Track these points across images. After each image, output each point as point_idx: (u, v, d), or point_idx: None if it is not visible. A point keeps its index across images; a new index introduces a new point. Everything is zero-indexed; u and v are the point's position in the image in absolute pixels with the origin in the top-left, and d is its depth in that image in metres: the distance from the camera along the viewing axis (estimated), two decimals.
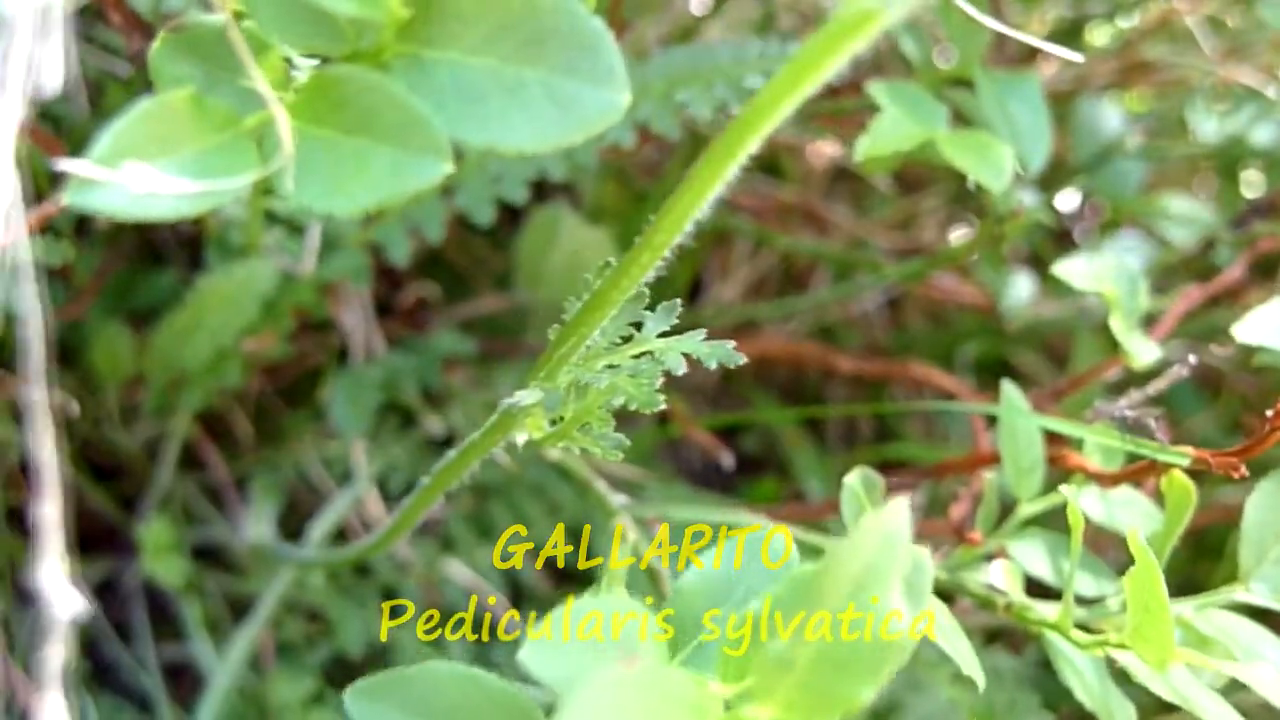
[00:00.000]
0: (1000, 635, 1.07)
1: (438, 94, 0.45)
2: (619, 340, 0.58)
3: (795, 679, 0.41)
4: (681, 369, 0.56)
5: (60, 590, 0.38)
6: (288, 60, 0.50)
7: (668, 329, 0.58)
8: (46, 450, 0.39)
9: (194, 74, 0.47)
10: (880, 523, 0.40)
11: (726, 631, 0.47)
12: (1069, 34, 1.27)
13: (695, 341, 0.57)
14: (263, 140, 0.46)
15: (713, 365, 0.57)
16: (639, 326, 0.58)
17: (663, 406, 0.56)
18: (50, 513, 0.38)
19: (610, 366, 0.57)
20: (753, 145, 0.44)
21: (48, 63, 0.40)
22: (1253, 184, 1.16)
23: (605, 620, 0.45)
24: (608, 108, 0.45)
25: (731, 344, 0.57)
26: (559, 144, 0.45)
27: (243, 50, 0.45)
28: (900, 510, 0.40)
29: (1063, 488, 0.66)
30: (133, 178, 0.41)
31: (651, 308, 0.58)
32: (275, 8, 0.45)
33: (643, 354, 0.58)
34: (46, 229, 0.84)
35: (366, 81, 0.45)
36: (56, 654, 0.38)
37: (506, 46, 0.45)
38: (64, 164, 0.40)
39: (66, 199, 0.40)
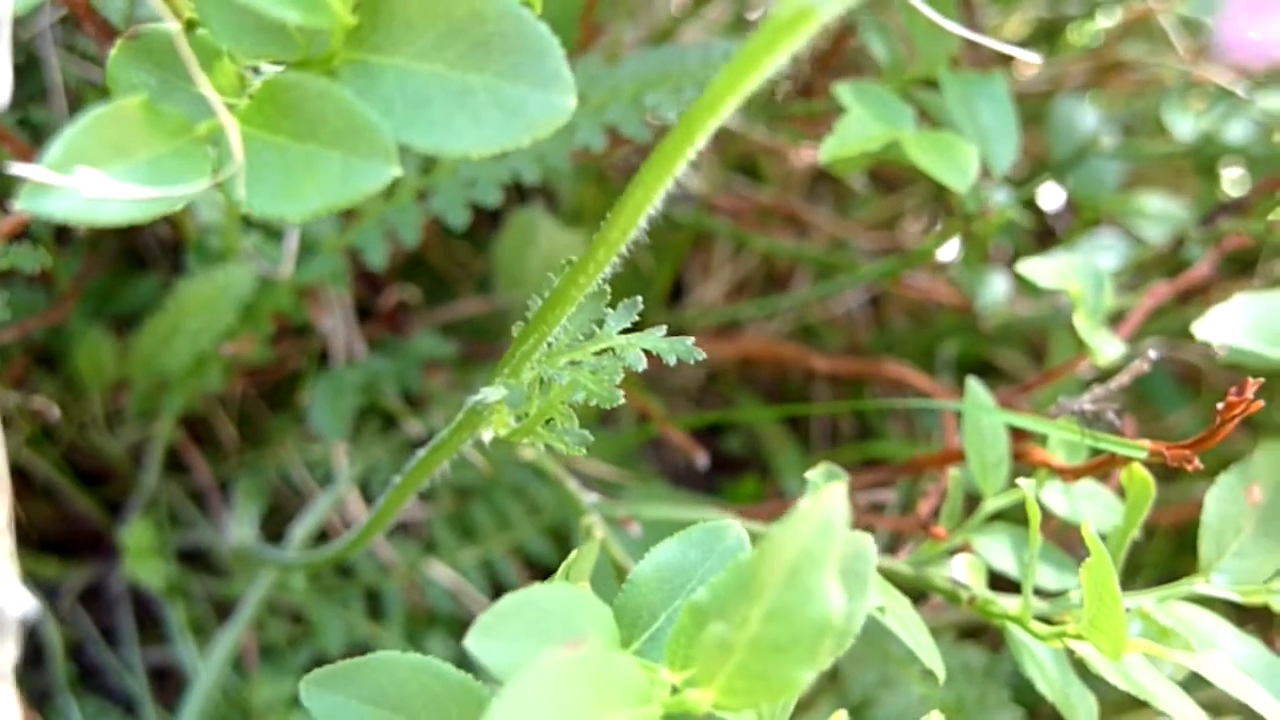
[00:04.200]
0: (977, 632, 1.08)
1: (385, 99, 0.46)
2: (581, 337, 0.59)
3: (735, 663, 0.42)
4: (642, 365, 0.57)
5: (10, 590, 0.39)
6: (254, 68, 0.51)
7: (630, 326, 0.59)
8: None
9: (149, 81, 0.48)
10: (816, 508, 0.40)
11: (677, 620, 0.47)
12: (1047, 34, 1.28)
13: (655, 338, 0.58)
14: (216, 145, 0.47)
15: (673, 361, 0.58)
16: (603, 324, 0.59)
17: (622, 401, 0.57)
18: None
19: (573, 363, 0.58)
20: (698, 142, 0.45)
21: None
22: (1234, 182, 1.17)
23: (554, 609, 0.46)
24: (553, 111, 0.46)
25: (691, 340, 0.58)
26: (505, 147, 0.46)
27: (190, 58, 0.46)
28: (836, 496, 0.41)
29: (1021, 481, 0.67)
30: (85, 183, 0.42)
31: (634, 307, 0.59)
32: (226, 16, 0.46)
33: (604, 350, 0.58)
34: (25, 235, 0.85)
35: (315, 88, 0.45)
36: (6, 652, 0.39)
37: (452, 52, 0.46)
38: (16, 169, 0.41)
39: (19, 204, 0.41)
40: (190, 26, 0.48)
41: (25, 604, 0.41)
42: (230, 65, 0.48)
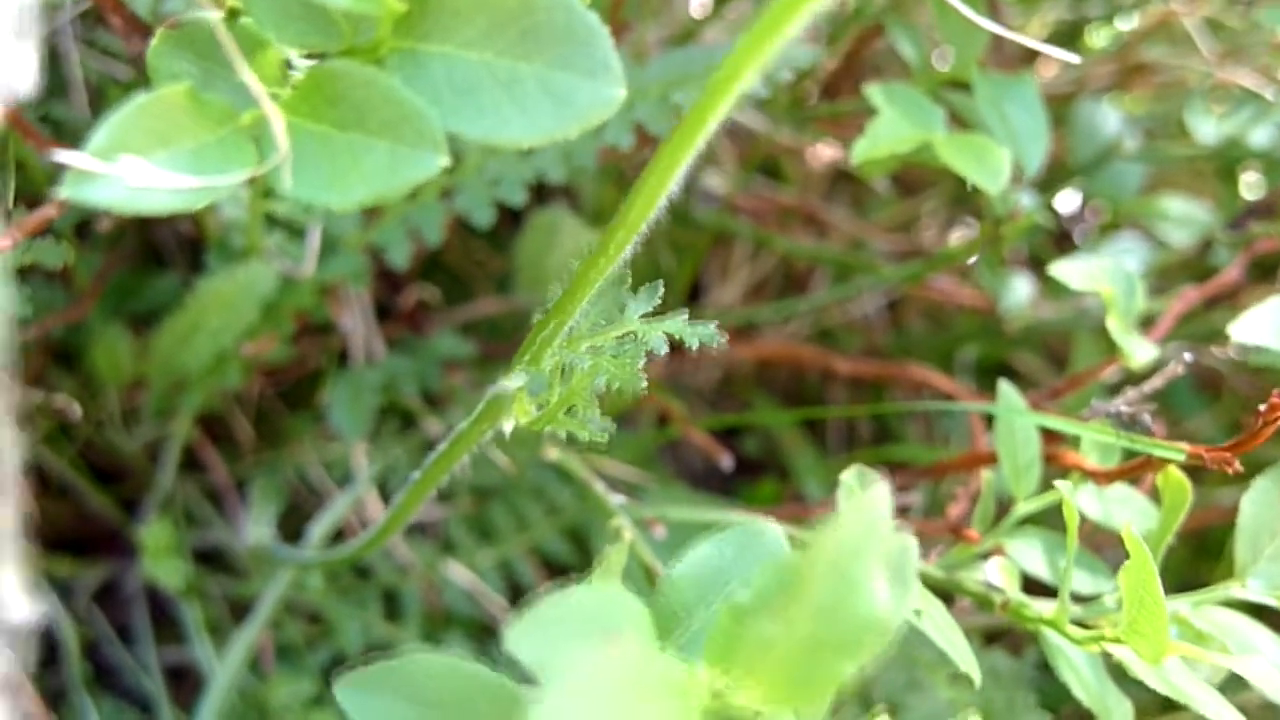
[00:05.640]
0: (1000, 636, 1.08)
1: (433, 88, 0.45)
2: (602, 323, 0.58)
3: (777, 661, 0.41)
4: (664, 349, 0.56)
5: (14, 595, 0.38)
6: (288, 58, 0.51)
7: (651, 312, 0.58)
8: (7, 453, 0.39)
9: (191, 70, 0.48)
10: (861, 506, 0.40)
11: (716, 621, 0.47)
12: (1068, 36, 1.27)
13: (677, 323, 0.57)
14: (260, 136, 0.46)
15: (695, 345, 0.57)
16: (623, 311, 0.58)
17: (645, 389, 0.56)
18: (6, 517, 0.38)
19: (594, 349, 0.58)
20: (717, 118, 0.44)
21: (23, 64, 0.40)
22: (1254, 186, 1.17)
23: (591, 608, 0.45)
24: (602, 101, 0.45)
25: (714, 324, 0.57)
26: (554, 137, 0.45)
27: (233, 47, 0.45)
28: (881, 494, 0.40)
29: (1058, 483, 0.66)
30: (129, 172, 0.42)
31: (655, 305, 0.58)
32: (270, 4, 0.46)
33: (625, 335, 0.58)
34: (46, 231, 0.84)
35: (362, 76, 0.45)
36: (4, 660, 0.38)
37: (502, 41, 0.45)
38: (61, 156, 0.41)
39: (64, 191, 0.41)
40: (232, 15, 0.48)
41: (27, 611, 0.40)
42: (273, 55, 0.48)
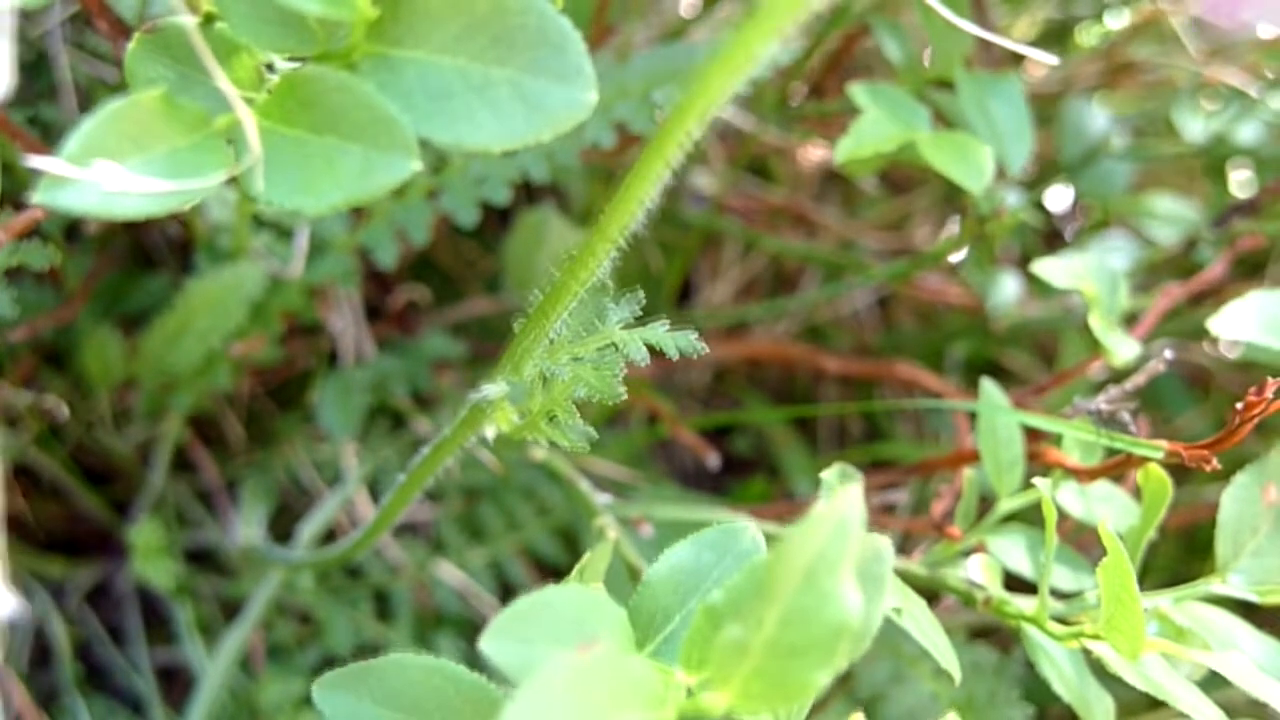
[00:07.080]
0: (989, 632, 1.08)
1: (406, 93, 0.45)
2: (584, 332, 0.58)
3: (751, 666, 0.42)
4: (644, 359, 0.56)
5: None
6: (269, 64, 0.51)
7: (632, 320, 0.58)
8: None
9: (167, 75, 0.48)
10: (832, 510, 0.40)
11: (692, 622, 0.47)
12: (1057, 35, 1.28)
13: (658, 331, 0.57)
14: (235, 140, 0.47)
15: (674, 355, 0.57)
16: (604, 319, 0.58)
17: (625, 397, 0.57)
18: None
19: (574, 358, 0.58)
20: (692, 131, 0.44)
21: None
22: (1244, 184, 1.17)
23: (567, 610, 0.45)
24: (574, 106, 0.46)
25: (694, 333, 0.58)
26: (526, 142, 0.46)
27: (206, 52, 0.46)
28: (852, 497, 0.40)
29: (1037, 481, 0.66)
30: (103, 176, 0.42)
31: (643, 306, 0.59)
32: (246, 9, 0.46)
33: (606, 345, 0.58)
34: (35, 233, 0.85)
35: (335, 81, 0.45)
36: None
37: (474, 46, 0.45)
38: (34, 161, 0.41)
39: (37, 197, 0.41)
40: (209, 20, 0.48)
41: (9, 606, 0.40)
42: (249, 59, 0.48)
